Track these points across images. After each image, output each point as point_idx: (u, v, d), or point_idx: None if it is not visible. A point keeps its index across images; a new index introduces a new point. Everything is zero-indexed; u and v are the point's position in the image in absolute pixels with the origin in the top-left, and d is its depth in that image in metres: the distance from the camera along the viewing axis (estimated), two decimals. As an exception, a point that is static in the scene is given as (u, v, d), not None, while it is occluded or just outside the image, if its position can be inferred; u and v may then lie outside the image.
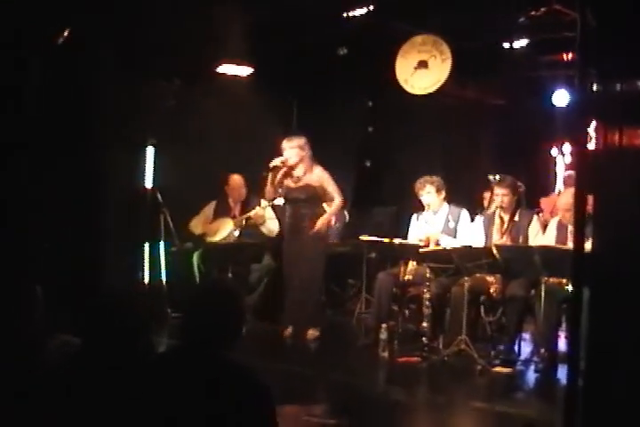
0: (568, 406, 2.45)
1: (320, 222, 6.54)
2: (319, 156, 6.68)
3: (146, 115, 6.92)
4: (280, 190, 6.64)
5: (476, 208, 7.07)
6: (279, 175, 6.56)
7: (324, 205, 6.76)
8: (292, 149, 6.51)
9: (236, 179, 7.44)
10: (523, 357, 5.94)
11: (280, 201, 6.80)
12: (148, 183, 7.26)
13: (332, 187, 6.56)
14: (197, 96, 7.46)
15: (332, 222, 7.26)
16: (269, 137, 7.19)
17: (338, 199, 6.59)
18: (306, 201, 6.55)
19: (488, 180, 6.38)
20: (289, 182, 6.62)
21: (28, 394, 2.47)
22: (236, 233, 7.21)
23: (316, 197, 6.56)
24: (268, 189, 6.65)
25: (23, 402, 2.46)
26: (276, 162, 6.52)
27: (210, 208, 7.52)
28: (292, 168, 6.56)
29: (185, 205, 7.38)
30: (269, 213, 7.26)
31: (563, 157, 9.41)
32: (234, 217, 7.36)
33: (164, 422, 2.42)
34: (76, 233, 6.16)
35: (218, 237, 7.26)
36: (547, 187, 9.17)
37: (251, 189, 7.43)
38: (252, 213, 7.10)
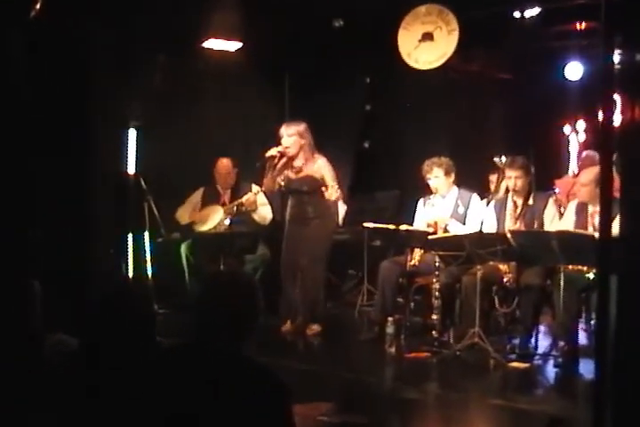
0: (597, 403, 2.48)
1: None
2: (314, 137, 6.66)
3: (127, 94, 6.89)
4: (280, 181, 6.63)
5: (486, 192, 7.10)
6: (279, 165, 6.54)
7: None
8: (291, 138, 6.47)
9: (225, 163, 7.45)
10: (540, 350, 5.96)
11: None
12: (131, 169, 7.24)
13: (331, 180, 6.43)
14: (183, 74, 7.47)
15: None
16: (260, 117, 7.17)
17: (334, 195, 6.40)
18: (308, 193, 6.56)
19: (494, 161, 6.43)
20: (289, 173, 6.61)
21: (27, 394, 2.51)
22: (227, 221, 7.20)
23: (318, 187, 6.52)
24: (267, 180, 6.64)
25: (22, 402, 2.49)
26: (272, 152, 6.48)
27: (197, 195, 7.54)
28: (291, 158, 6.54)
29: (171, 192, 7.40)
30: (261, 199, 7.27)
31: (576, 135, 9.42)
32: (224, 204, 7.37)
33: (170, 424, 2.44)
34: (57, 223, 6.16)
35: (207, 227, 7.28)
36: (560, 168, 9.18)
37: (241, 173, 7.44)
38: (243, 200, 7.07)
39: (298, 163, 6.58)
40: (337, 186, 6.34)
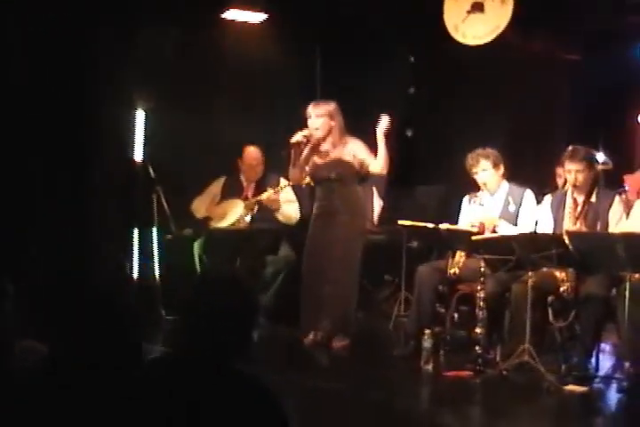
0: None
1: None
2: (348, 122, 6.65)
3: (135, 71, 6.85)
4: (307, 169, 6.61)
5: (543, 188, 7.04)
6: (305, 152, 6.53)
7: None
8: (319, 119, 6.46)
9: (253, 152, 7.45)
10: (602, 372, 5.88)
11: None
12: (138, 155, 7.29)
13: (368, 156, 6.45)
14: (199, 48, 7.49)
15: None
16: (288, 98, 7.10)
17: (377, 165, 6.42)
18: (337, 180, 6.52)
19: (562, 153, 6.25)
20: (315, 159, 6.59)
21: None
22: (248, 218, 7.23)
23: (349, 174, 6.51)
24: (294, 171, 6.62)
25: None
26: (297, 137, 6.46)
27: (217, 186, 7.53)
28: (318, 142, 6.52)
29: (183, 182, 7.43)
30: (289, 195, 7.28)
31: (653, 126, 9.25)
32: (246, 198, 7.36)
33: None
34: (50, 219, 6.17)
35: (225, 223, 7.28)
36: (632, 162, 9.02)
37: (267, 164, 7.44)
38: (263, 197, 7.11)
39: (325, 147, 6.55)
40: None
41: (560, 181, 7.18)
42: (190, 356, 2.53)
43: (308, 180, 6.70)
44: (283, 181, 7.07)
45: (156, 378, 2.52)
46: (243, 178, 7.47)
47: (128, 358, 2.59)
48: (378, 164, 6.46)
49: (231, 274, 2.98)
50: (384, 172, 6.55)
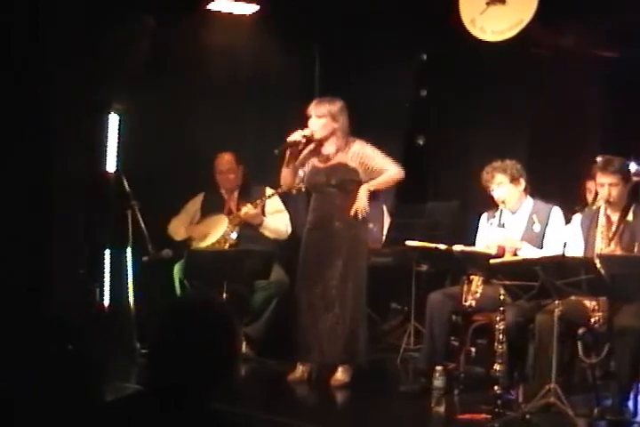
0: None
1: (361, 201, 6.47)
2: (352, 131, 6.65)
3: (106, 69, 6.82)
4: (301, 173, 6.61)
5: (573, 205, 6.97)
6: (305, 152, 6.56)
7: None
8: (321, 119, 6.46)
9: (226, 159, 7.47)
10: None
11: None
12: (111, 166, 7.28)
13: (378, 159, 6.51)
14: (181, 44, 7.50)
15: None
16: (280, 101, 7.04)
17: (392, 169, 6.55)
18: (337, 187, 6.52)
19: (594, 163, 6.25)
20: (315, 162, 6.59)
21: None
22: (234, 235, 7.22)
23: (351, 181, 6.50)
24: (285, 172, 6.61)
25: None
26: (295, 136, 6.47)
27: (196, 203, 7.59)
28: (320, 143, 6.53)
29: (162, 196, 7.44)
30: (276, 204, 7.31)
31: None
32: (230, 213, 7.38)
33: None
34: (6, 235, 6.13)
35: (208, 241, 7.29)
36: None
37: (252, 172, 7.47)
38: (241, 213, 7.14)
39: (328, 149, 6.55)
40: (391, 159, 6.48)
41: (590, 197, 7.15)
42: (158, 394, 2.51)
43: (300, 185, 6.69)
44: (268, 191, 7.09)
45: (115, 421, 2.51)
46: (223, 191, 7.52)
47: (85, 400, 2.61)
48: (390, 173, 6.49)
49: (205, 299, 2.95)
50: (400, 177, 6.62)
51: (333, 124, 6.47)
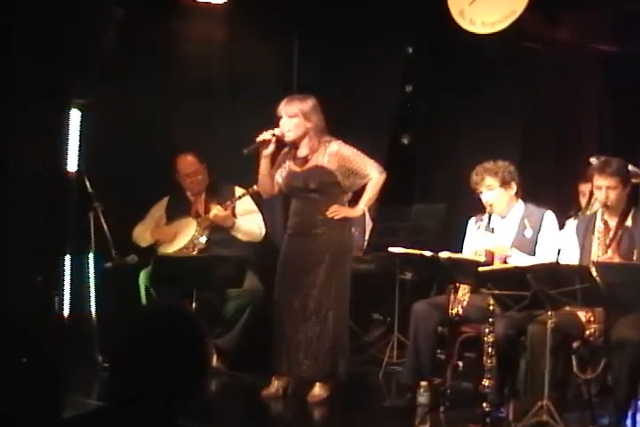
0: None
1: (346, 210, 6.56)
2: (332, 126, 6.63)
3: (69, 60, 6.80)
4: (278, 178, 6.62)
5: (567, 209, 6.99)
6: (282, 155, 6.58)
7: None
8: (292, 119, 6.45)
9: (190, 160, 7.47)
10: None
11: None
12: (72, 165, 7.26)
13: (360, 161, 6.51)
14: (149, 34, 7.48)
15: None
16: (258, 96, 7.12)
17: (375, 174, 6.55)
18: (316, 191, 6.53)
19: (588, 165, 6.31)
20: (291, 165, 6.60)
21: None
22: (203, 239, 7.25)
23: (331, 184, 6.51)
24: (262, 180, 6.63)
25: None
26: (265, 135, 6.46)
27: (160, 207, 7.61)
28: (294, 146, 6.54)
29: (128, 198, 7.40)
30: (248, 205, 7.32)
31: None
32: (197, 215, 7.41)
33: None
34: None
35: (176, 246, 7.32)
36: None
37: (224, 171, 7.48)
38: (210, 216, 7.18)
39: (302, 152, 6.55)
40: (373, 162, 6.50)
41: (583, 201, 7.14)
42: (121, 409, 2.53)
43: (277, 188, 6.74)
44: (238, 190, 7.12)
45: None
46: (188, 193, 7.53)
47: (42, 417, 2.57)
48: (373, 181, 6.51)
49: (173, 308, 2.89)
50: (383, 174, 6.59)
51: (306, 124, 6.46)
